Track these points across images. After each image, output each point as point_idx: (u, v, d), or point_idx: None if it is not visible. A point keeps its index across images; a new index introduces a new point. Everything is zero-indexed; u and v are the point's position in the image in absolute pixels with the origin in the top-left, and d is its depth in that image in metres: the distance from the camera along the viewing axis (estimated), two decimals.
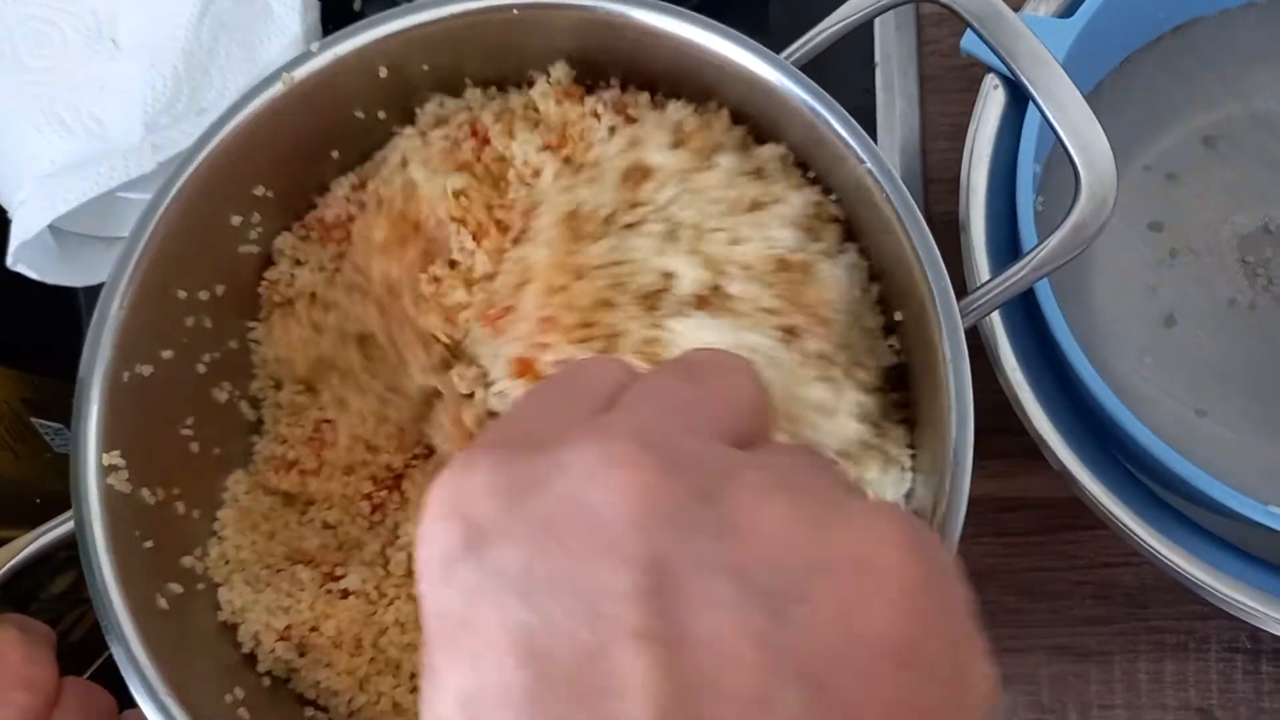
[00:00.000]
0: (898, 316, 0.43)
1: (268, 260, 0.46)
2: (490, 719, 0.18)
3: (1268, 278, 0.51)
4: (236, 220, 0.44)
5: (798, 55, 0.43)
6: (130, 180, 0.51)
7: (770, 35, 0.44)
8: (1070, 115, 0.40)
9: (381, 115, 0.45)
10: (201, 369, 0.44)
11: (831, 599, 0.18)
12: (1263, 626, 0.44)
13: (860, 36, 0.56)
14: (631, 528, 0.18)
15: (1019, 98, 0.46)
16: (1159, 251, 0.52)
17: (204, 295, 0.43)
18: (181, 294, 0.43)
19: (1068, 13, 0.47)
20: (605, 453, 0.19)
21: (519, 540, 0.19)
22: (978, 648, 0.19)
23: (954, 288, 0.39)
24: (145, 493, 0.41)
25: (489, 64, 0.45)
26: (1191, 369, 0.50)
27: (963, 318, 0.39)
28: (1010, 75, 0.41)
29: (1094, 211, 0.40)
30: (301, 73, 0.42)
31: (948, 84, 0.55)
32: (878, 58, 0.55)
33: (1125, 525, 0.45)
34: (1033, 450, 0.46)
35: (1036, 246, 0.40)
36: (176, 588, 0.41)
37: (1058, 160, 0.49)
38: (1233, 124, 0.52)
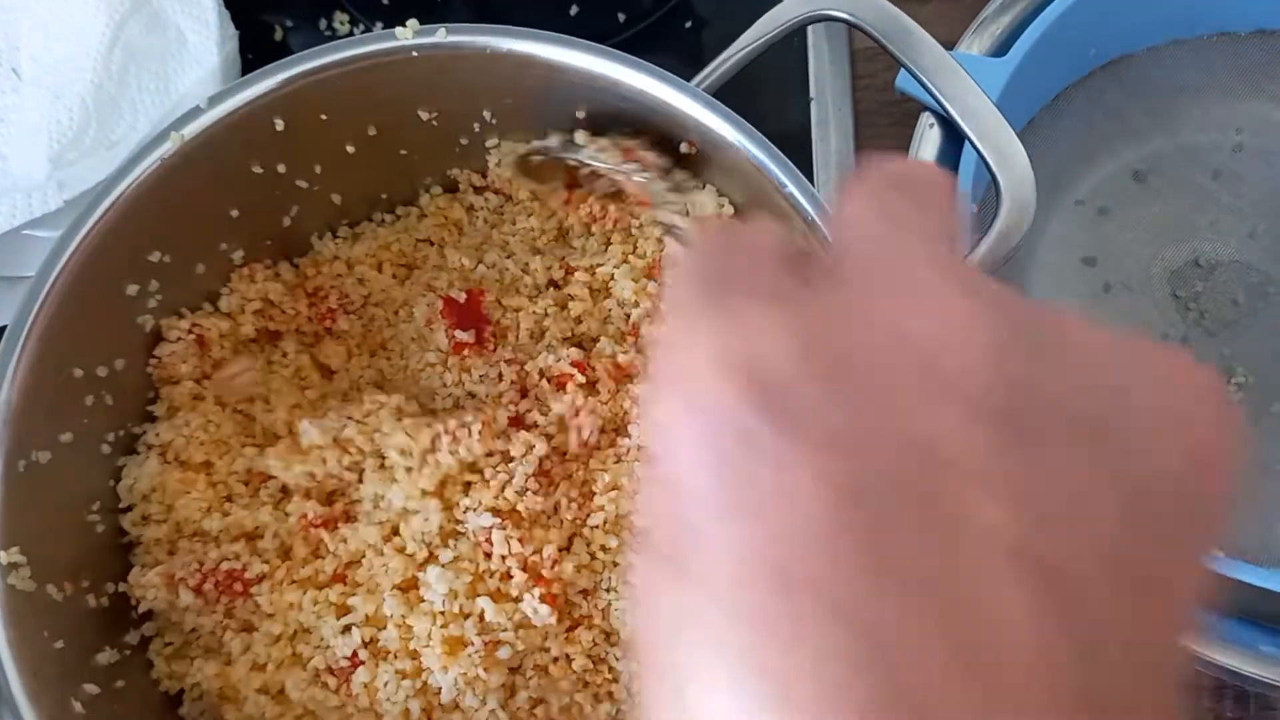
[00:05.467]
0: None
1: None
2: (813, 572, 0.15)
3: (1199, 311, 0.51)
4: (133, 289, 0.41)
5: (710, 80, 0.42)
6: (35, 218, 0.49)
7: (703, 67, 0.43)
8: (981, 122, 0.39)
9: (281, 169, 0.43)
10: (106, 449, 0.41)
11: (1172, 437, 0.17)
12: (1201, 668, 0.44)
13: (794, 73, 0.56)
14: (953, 352, 0.17)
15: (955, 137, 0.46)
16: (1093, 286, 0.52)
17: (102, 371, 0.40)
18: (78, 372, 0.39)
19: (1000, 50, 0.47)
20: (912, 285, 0.17)
21: (824, 384, 0.16)
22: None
23: None
24: (51, 589, 0.38)
25: (390, 112, 0.43)
26: None
27: None
28: (923, 85, 0.40)
29: (1016, 217, 0.39)
30: (191, 130, 0.39)
31: (881, 119, 0.55)
32: (812, 93, 0.55)
33: None
34: None
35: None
36: (92, 688, 0.38)
37: (992, 201, 0.49)
38: (1161, 158, 0.53)
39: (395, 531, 0.40)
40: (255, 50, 0.55)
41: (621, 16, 0.57)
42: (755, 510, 0.16)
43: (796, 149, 0.54)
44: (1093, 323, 0.18)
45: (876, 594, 0.15)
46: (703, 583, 0.16)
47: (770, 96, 0.54)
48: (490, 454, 0.40)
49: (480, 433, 0.39)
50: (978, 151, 0.39)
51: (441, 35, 0.40)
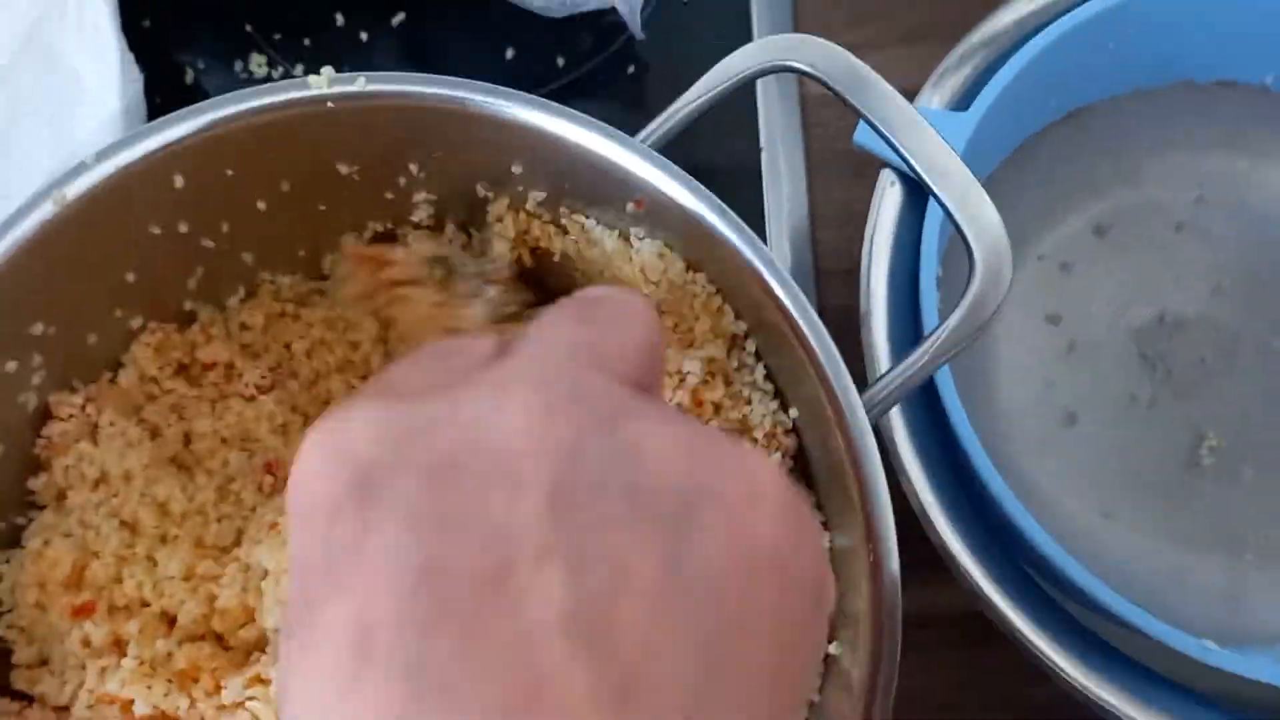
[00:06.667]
0: (793, 413, 0.39)
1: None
2: (389, 640, 0.17)
3: (1166, 371, 0.49)
4: (11, 366, 0.36)
5: (657, 135, 0.39)
6: None
7: (649, 116, 0.40)
8: (952, 183, 0.37)
9: (184, 229, 0.38)
10: None
11: (722, 519, 0.19)
12: None
13: (742, 116, 0.53)
14: (530, 454, 0.19)
15: (917, 194, 0.44)
16: (1057, 345, 0.50)
17: None
18: None
19: (961, 103, 0.45)
20: (502, 390, 0.20)
21: (412, 478, 0.19)
22: (826, 560, 0.22)
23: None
24: None
25: (305, 166, 0.39)
26: (1095, 469, 0.48)
27: (866, 413, 0.35)
28: (888, 143, 0.37)
29: (991, 284, 0.36)
30: (76, 189, 0.35)
31: (834, 168, 0.53)
32: (762, 141, 0.52)
33: (1034, 645, 0.42)
34: (938, 561, 0.43)
35: (936, 329, 0.36)
36: None
37: (954, 260, 0.47)
38: (1123, 212, 0.51)
39: None
40: (165, 94, 0.51)
41: (561, 60, 0.54)
42: (345, 587, 0.18)
43: (744, 195, 0.51)
44: (674, 420, 0.20)
45: (445, 658, 0.17)
46: (312, 653, 0.18)
47: (716, 141, 0.51)
48: None
49: None
50: (949, 215, 0.36)
51: (360, 84, 0.36)
